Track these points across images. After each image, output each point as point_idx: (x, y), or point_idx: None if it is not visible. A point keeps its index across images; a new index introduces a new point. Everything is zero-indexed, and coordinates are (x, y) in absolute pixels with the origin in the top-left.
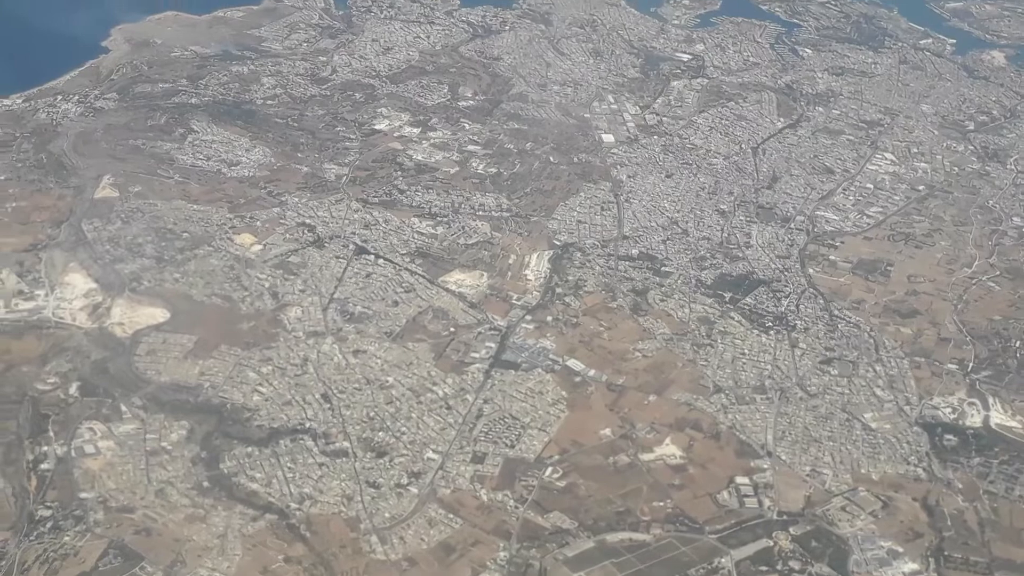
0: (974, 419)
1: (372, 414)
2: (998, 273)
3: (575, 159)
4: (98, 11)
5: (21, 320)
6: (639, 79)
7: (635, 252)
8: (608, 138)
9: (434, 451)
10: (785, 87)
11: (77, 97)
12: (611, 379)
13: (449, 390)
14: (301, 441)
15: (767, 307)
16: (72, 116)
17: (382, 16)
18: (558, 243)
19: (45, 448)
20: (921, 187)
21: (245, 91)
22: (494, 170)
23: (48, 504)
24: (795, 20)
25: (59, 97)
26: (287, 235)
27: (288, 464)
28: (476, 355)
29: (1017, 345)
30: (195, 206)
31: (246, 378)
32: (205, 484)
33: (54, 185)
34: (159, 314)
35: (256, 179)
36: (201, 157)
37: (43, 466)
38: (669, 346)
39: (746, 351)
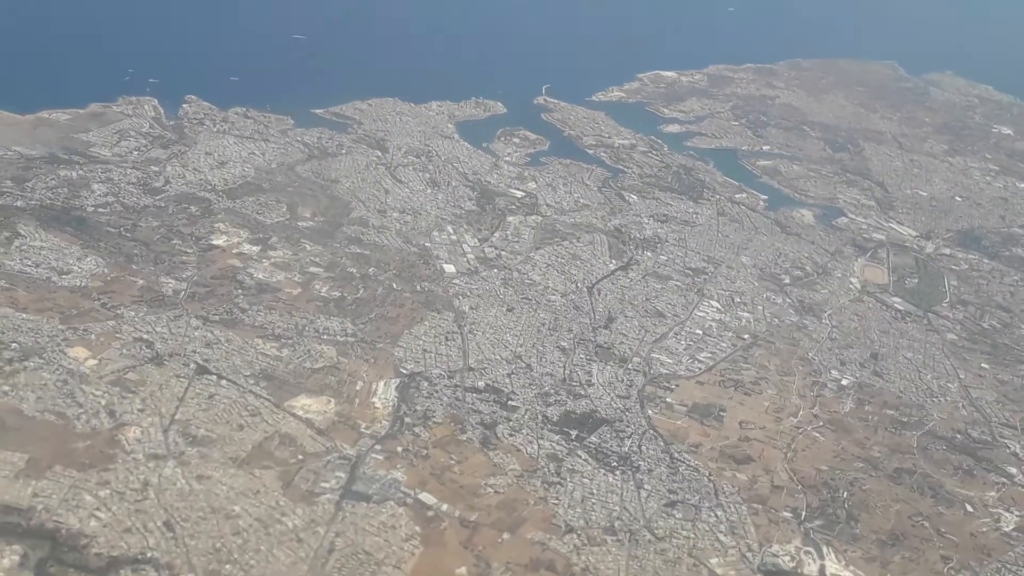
0: (811, 568)
1: (219, 545)
2: (821, 424)
3: (418, 287)
4: None
5: None
6: (476, 211)
7: (481, 384)
8: (449, 268)
9: None
10: (615, 230)
11: None
12: (464, 515)
13: (299, 522)
14: (143, 572)
15: (611, 447)
16: None
17: (215, 130)
18: (405, 371)
19: None
20: (746, 336)
21: (75, 196)
22: (338, 294)
23: None
24: (620, 166)
25: None
26: (124, 350)
27: None
28: (326, 485)
29: (844, 496)
30: (24, 315)
31: (83, 501)
32: None
33: None
34: None
35: (89, 290)
36: (29, 263)
37: None
38: (520, 482)
39: (594, 491)
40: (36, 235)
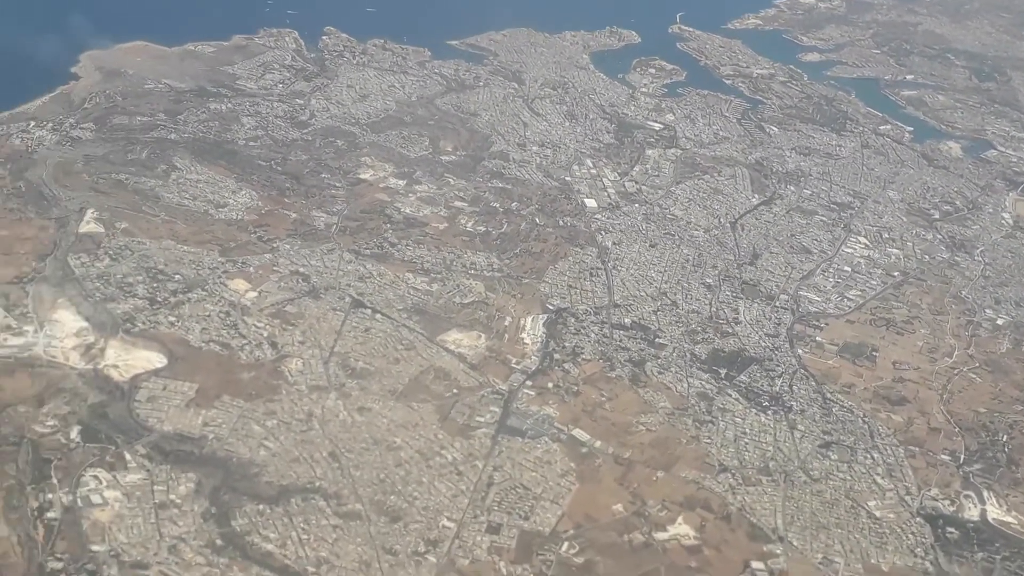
0: (972, 512)
1: (382, 476)
2: (977, 365)
3: (560, 222)
4: (66, 36)
5: (11, 357)
6: (614, 145)
7: (628, 321)
8: (591, 203)
9: (448, 519)
10: (756, 163)
11: (51, 124)
12: (617, 452)
13: (458, 455)
14: (312, 501)
15: (762, 386)
16: (48, 144)
17: (355, 62)
18: (551, 307)
19: (50, 495)
20: (896, 273)
21: (226, 130)
22: (483, 228)
23: (59, 556)
24: (758, 97)
25: (32, 123)
26: (282, 283)
27: (302, 525)
28: (481, 419)
29: (1004, 439)
30: (185, 247)
31: (251, 431)
32: (218, 542)
33: (35, 215)
34: (155, 358)
35: (245, 223)
36: (187, 196)
37: (49, 514)
38: (671, 421)
39: (747, 430)
40: (192, 168)
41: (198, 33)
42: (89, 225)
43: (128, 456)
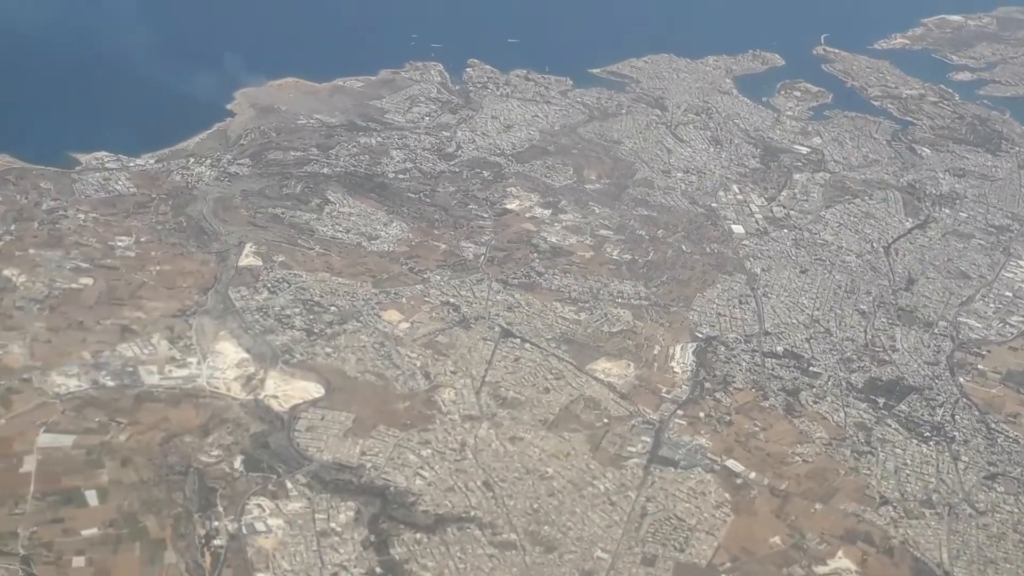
0: None
1: (536, 506)
2: None
3: (707, 249)
4: (221, 74)
5: (176, 387)
6: (760, 170)
7: (780, 349)
8: (738, 229)
9: (603, 550)
10: (908, 186)
11: (209, 161)
12: (773, 483)
13: (610, 485)
14: (468, 530)
15: (922, 416)
16: (207, 180)
17: (498, 93)
18: (700, 335)
19: (216, 523)
20: None
21: (376, 163)
22: (629, 256)
23: None
24: (908, 118)
25: (191, 159)
26: (433, 314)
27: (458, 554)
28: (632, 449)
29: None
30: (339, 279)
31: (407, 460)
32: (378, 570)
33: (196, 249)
34: (313, 389)
35: (396, 254)
36: (340, 229)
37: (216, 542)
38: (828, 451)
39: (908, 461)
40: (344, 201)
41: (346, 69)
42: (248, 259)
43: (290, 485)
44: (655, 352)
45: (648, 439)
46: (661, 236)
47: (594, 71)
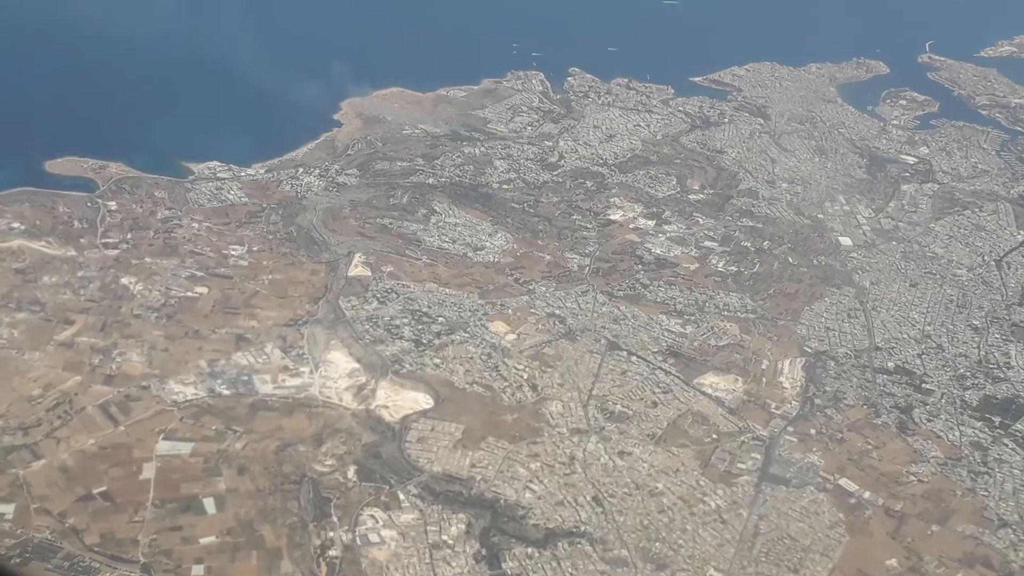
0: None
1: (646, 522)
2: None
3: (815, 261)
4: (327, 85)
5: (289, 397)
6: (867, 180)
7: (891, 365)
8: (846, 241)
9: (715, 568)
10: (1019, 197)
11: (318, 171)
12: (888, 503)
13: (721, 502)
14: (579, 545)
15: None
16: (316, 190)
17: (600, 102)
18: (809, 350)
19: (331, 534)
20: None
21: (480, 174)
22: (734, 268)
23: None
24: (1018, 128)
25: (300, 169)
26: (539, 325)
27: (570, 570)
28: (743, 466)
29: None
30: (446, 290)
31: (516, 474)
32: None
33: (306, 259)
34: (423, 399)
35: (501, 265)
36: (447, 240)
37: (331, 552)
38: (944, 471)
39: None
40: (450, 211)
41: (449, 78)
42: (357, 269)
43: (402, 496)
44: (763, 367)
45: (758, 456)
46: (767, 248)
47: (695, 79)
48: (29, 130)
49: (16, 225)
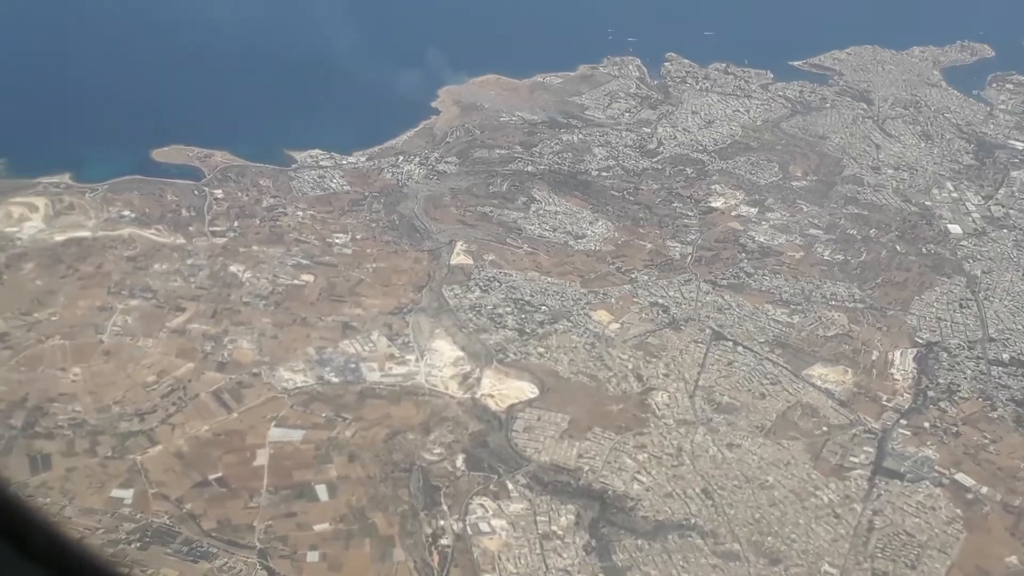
0: None
1: (757, 516)
2: None
3: (923, 249)
4: (425, 72)
5: (396, 385)
6: (975, 166)
7: (1006, 356)
8: (955, 229)
9: (830, 564)
10: None
11: (418, 159)
12: (1006, 499)
13: (834, 497)
14: (689, 538)
15: None
16: (416, 178)
17: (698, 88)
18: (920, 341)
19: (442, 522)
20: None
21: (579, 161)
22: (840, 257)
23: None
24: None
25: (400, 157)
26: (642, 315)
27: (681, 563)
28: (855, 459)
29: None
30: (549, 278)
31: (624, 465)
32: None
33: (409, 247)
34: (527, 389)
35: (603, 253)
36: (547, 228)
37: (442, 541)
38: None
39: None
40: (550, 199)
41: (545, 65)
42: (459, 257)
43: (510, 486)
44: (873, 358)
45: (871, 449)
46: (874, 236)
47: (795, 63)
48: (136, 119)
49: (126, 213)
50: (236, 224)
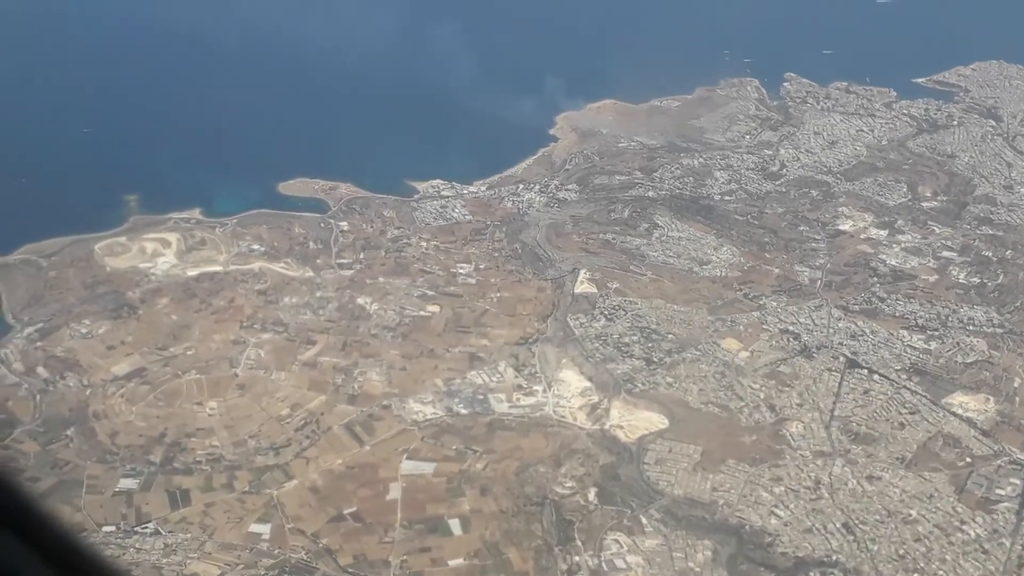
0: None
1: (901, 551)
2: None
3: None
4: (542, 99)
5: (524, 416)
6: None
7: None
8: None
9: None
10: None
11: (538, 187)
12: None
13: (981, 531)
14: (831, 575)
15: None
16: (537, 206)
17: (819, 108)
18: None
19: (576, 558)
20: None
21: (700, 185)
22: (976, 280)
23: None
24: None
25: (520, 185)
26: (772, 342)
27: None
28: (1001, 492)
29: None
30: (675, 306)
31: (760, 498)
32: None
33: (532, 276)
34: (657, 420)
35: (729, 280)
36: (671, 254)
37: None
38: None
39: None
40: (672, 225)
41: (662, 88)
42: (583, 285)
43: (644, 520)
44: (1015, 385)
45: (1018, 481)
46: (1010, 257)
47: (918, 80)
48: (262, 153)
49: (256, 247)
50: (362, 256)
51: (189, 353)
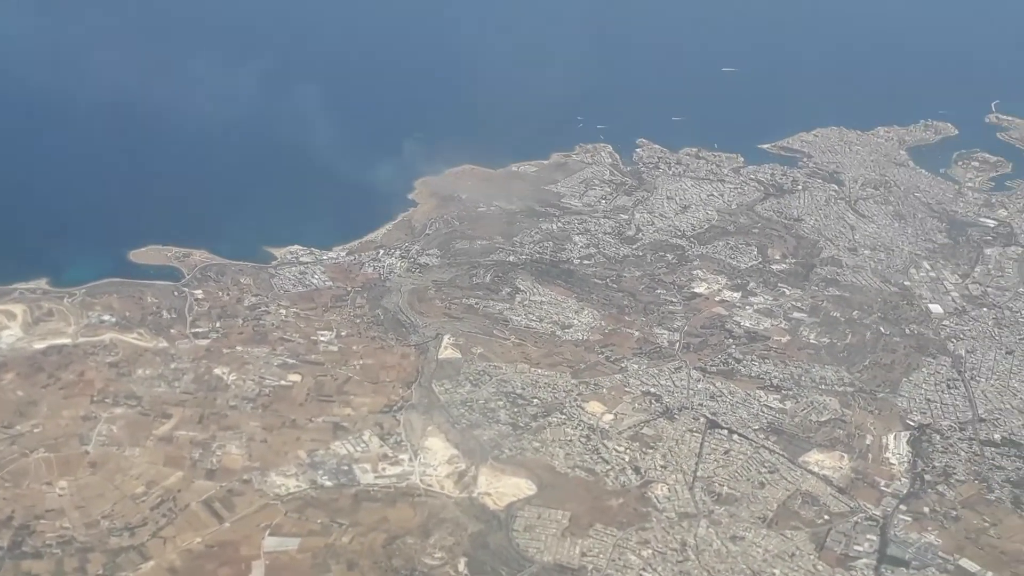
0: None
1: None
2: None
3: (907, 330)
4: (401, 164)
5: (391, 486)
6: (949, 245)
7: (997, 437)
8: (936, 308)
9: None
10: None
11: (399, 252)
12: None
13: None
14: None
15: None
16: (398, 271)
17: (671, 173)
18: (912, 423)
19: None
20: None
21: (560, 250)
22: (826, 340)
23: None
24: None
25: (381, 251)
26: (635, 404)
27: None
28: (859, 548)
29: None
30: (539, 370)
31: (628, 562)
32: None
33: (395, 343)
34: (525, 485)
35: (591, 343)
36: (534, 318)
37: None
38: None
39: None
40: (534, 289)
41: (519, 153)
42: (447, 351)
43: None
44: (868, 442)
45: (874, 537)
46: (857, 317)
47: (764, 146)
48: (112, 220)
49: (107, 317)
50: (218, 324)
51: (36, 431)
